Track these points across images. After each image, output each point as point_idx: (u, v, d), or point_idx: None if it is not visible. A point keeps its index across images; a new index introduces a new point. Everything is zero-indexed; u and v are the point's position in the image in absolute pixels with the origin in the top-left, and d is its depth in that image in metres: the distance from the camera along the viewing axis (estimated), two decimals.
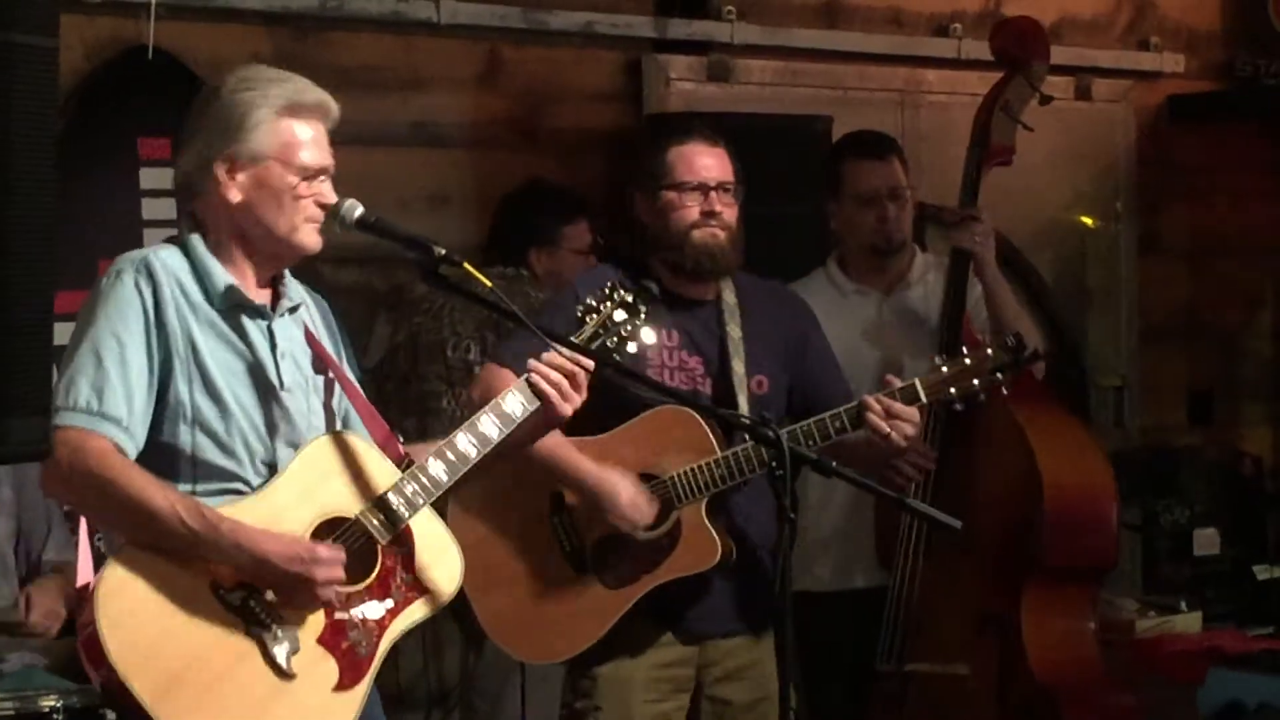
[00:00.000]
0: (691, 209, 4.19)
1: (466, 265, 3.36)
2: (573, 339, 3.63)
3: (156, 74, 5.18)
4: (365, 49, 5.68)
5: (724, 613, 4.17)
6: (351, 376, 3.57)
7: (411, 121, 5.79)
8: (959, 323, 4.71)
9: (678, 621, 4.15)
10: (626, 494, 4.02)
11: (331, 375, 3.50)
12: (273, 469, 3.35)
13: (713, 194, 4.19)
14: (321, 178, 3.39)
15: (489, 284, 3.43)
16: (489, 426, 3.49)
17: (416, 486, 3.40)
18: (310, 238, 3.39)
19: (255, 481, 3.33)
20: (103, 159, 5.16)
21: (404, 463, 3.45)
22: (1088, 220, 7.35)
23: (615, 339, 3.71)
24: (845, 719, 4.76)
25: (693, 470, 4.05)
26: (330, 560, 3.25)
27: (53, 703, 3.60)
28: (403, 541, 3.41)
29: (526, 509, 4.14)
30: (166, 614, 3.17)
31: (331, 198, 3.39)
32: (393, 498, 3.37)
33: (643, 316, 3.73)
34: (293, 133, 3.35)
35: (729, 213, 4.20)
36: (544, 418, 3.55)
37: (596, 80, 6.17)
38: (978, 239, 4.74)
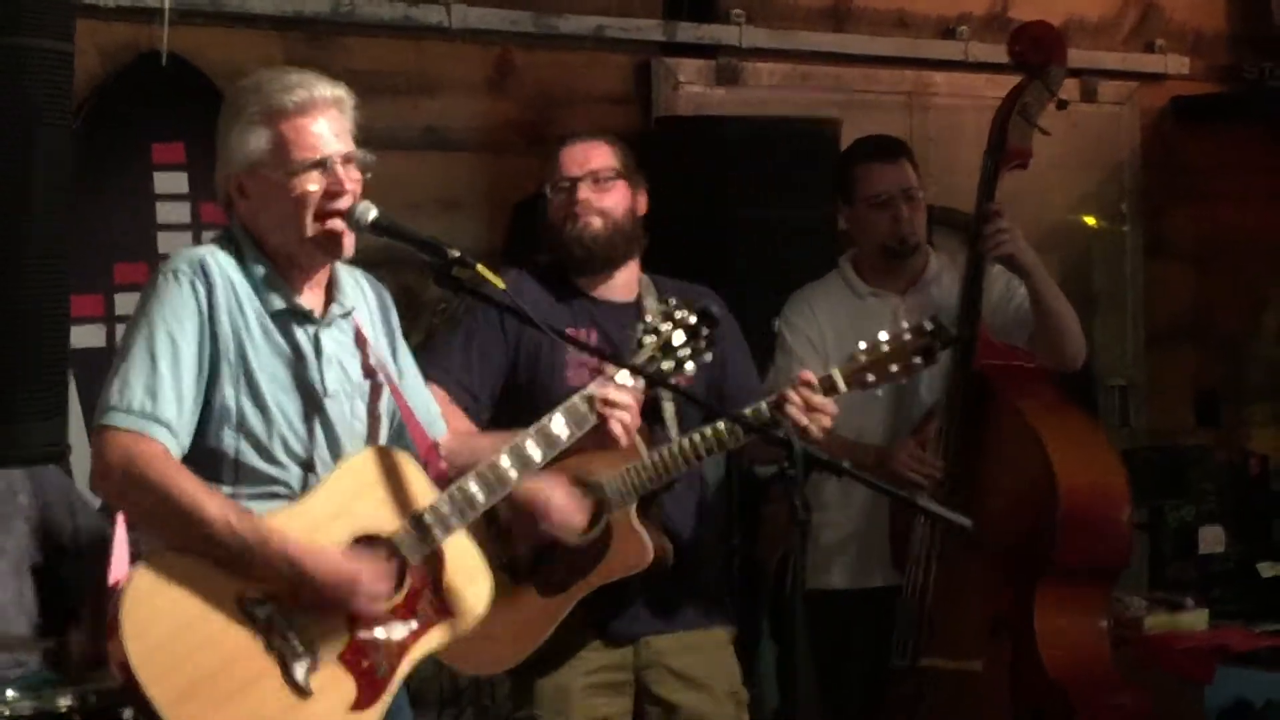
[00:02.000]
0: (558, 206, 4.22)
1: (480, 267, 3.34)
2: (632, 361, 3.66)
3: (170, 79, 5.19)
4: (377, 53, 5.70)
5: (652, 612, 4.16)
6: (411, 369, 3.59)
7: (422, 125, 5.81)
8: (975, 331, 4.69)
9: (605, 625, 4.14)
10: (558, 501, 3.75)
11: (381, 379, 3.47)
12: (312, 474, 3.33)
13: (580, 185, 4.19)
14: (322, 168, 3.30)
15: (502, 285, 3.42)
16: (533, 449, 3.51)
17: (452, 507, 3.38)
18: (330, 231, 3.32)
19: (295, 486, 3.32)
20: (117, 164, 5.17)
21: (444, 479, 3.43)
22: (1093, 222, 7.36)
23: (672, 363, 3.74)
24: (862, 716, 4.78)
25: (621, 474, 4.02)
26: (371, 586, 3.25)
27: (69, 702, 3.61)
28: (433, 562, 3.38)
29: None
30: (190, 625, 3.16)
31: (348, 184, 3.32)
32: (428, 517, 3.35)
33: (704, 341, 3.75)
34: (277, 138, 3.30)
35: (603, 199, 4.19)
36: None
37: (606, 84, 6.19)
38: (1004, 238, 4.69)
